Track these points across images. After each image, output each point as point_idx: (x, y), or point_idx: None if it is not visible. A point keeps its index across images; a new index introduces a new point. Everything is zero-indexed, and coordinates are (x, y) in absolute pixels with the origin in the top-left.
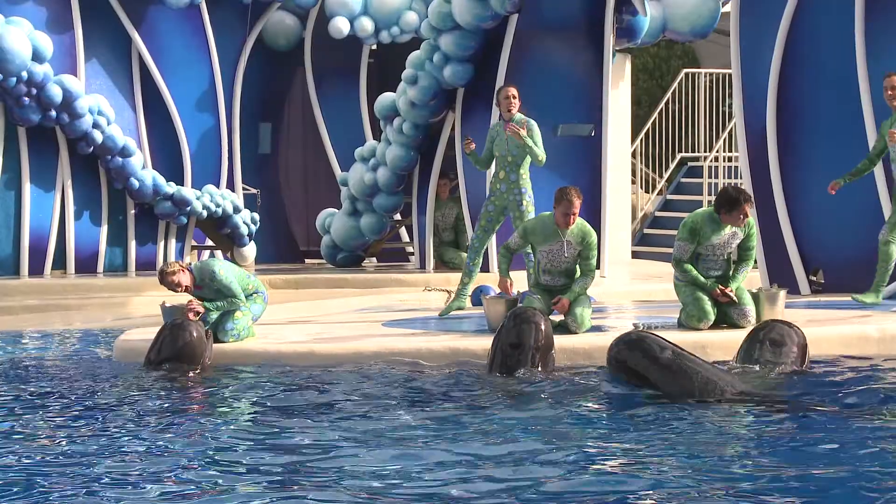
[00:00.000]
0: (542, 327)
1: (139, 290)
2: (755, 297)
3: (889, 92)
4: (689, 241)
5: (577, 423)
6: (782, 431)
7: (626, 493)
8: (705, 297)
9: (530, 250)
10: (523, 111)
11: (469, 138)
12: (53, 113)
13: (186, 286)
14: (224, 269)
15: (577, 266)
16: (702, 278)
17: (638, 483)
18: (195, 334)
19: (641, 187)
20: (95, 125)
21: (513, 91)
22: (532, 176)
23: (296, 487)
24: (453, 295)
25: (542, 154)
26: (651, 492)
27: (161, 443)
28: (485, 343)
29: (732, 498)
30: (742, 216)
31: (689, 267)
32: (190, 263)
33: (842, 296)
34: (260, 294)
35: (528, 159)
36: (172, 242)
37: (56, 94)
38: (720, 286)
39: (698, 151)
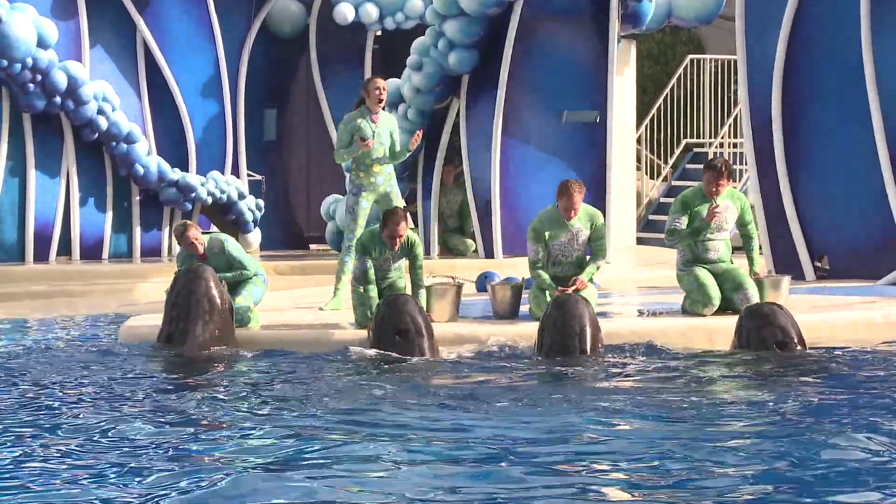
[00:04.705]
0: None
1: (144, 276)
2: (759, 283)
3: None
4: (680, 212)
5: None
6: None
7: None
8: (709, 284)
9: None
10: (525, 101)
11: (367, 139)
12: (58, 99)
13: (203, 250)
14: (233, 241)
15: (588, 250)
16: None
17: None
18: (211, 279)
19: (646, 173)
20: (100, 112)
21: (383, 83)
22: (537, 165)
23: (295, 475)
24: (334, 295)
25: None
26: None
27: (163, 431)
28: (490, 328)
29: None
30: (715, 186)
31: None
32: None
33: (847, 282)
34: (260, 276)
35: None
36: None
37: (61, 80)
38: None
39: (703, 137)
